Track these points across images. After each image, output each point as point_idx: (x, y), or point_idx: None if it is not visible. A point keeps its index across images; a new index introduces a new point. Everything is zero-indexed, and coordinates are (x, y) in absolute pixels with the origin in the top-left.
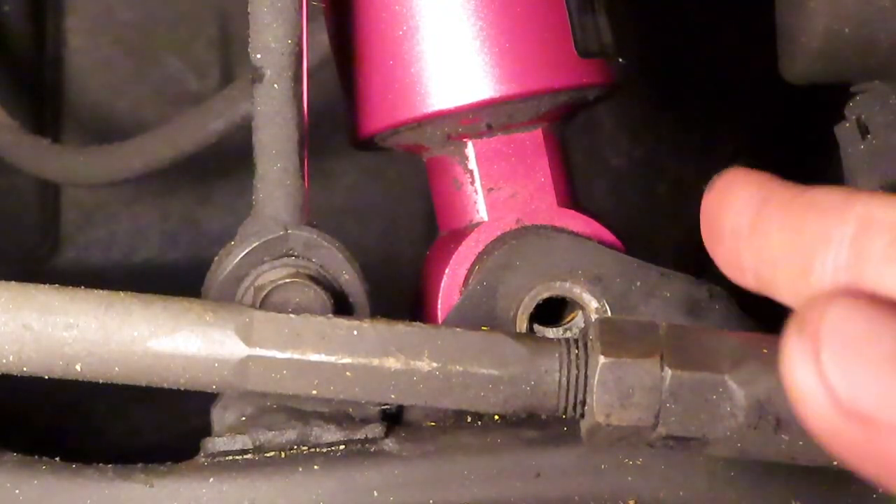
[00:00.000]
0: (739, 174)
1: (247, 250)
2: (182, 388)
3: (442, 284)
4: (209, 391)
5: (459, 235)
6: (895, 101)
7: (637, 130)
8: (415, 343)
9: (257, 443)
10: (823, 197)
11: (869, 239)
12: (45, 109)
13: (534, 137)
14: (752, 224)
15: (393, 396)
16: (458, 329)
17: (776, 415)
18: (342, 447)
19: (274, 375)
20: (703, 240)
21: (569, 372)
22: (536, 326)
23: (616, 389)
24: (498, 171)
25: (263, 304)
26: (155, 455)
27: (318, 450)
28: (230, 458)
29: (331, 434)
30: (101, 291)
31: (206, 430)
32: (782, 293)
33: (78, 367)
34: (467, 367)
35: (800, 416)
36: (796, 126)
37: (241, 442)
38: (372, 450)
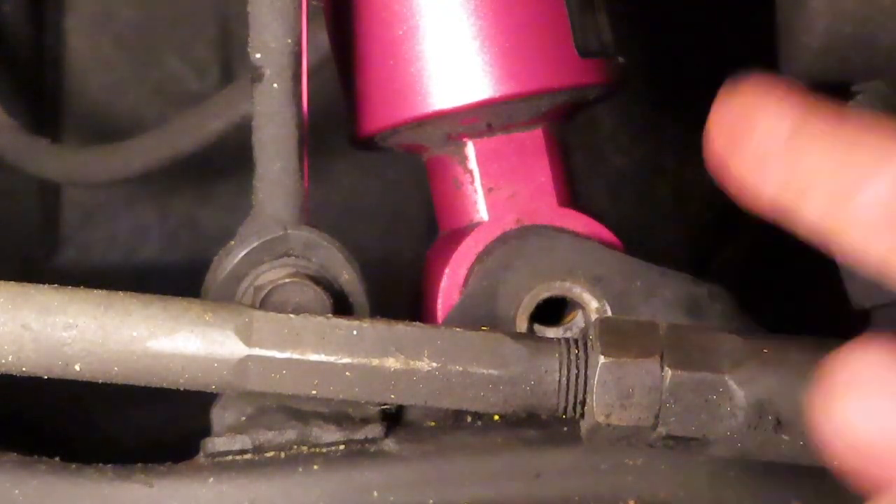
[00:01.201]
0: (771, 83)
1: (247, 250)
2: (181, 388)
3: (442, 284)
4: (209, 391)
5: (459, 235)
6: None
7: (637, 130)
8: (415, 343)
9: (257, 443)
10: (871, 133)
11: None
12: (45, 109)
13: (534, 137)
14: (790, 141)
15: (393, 396)
16: (457, 329)
17: (776, 415)
18: (342, 447)
19: (274, 375)
20: (708, 147)
21: (569, 372)
22: (536, 326)
23: (616, 389)
24: (498, 171)
25: (263, 304)
26: (155, 455)
27: (318, 450)
28: (230, 458)
29: (331, 434)
30: (100, 291)
31: (206, 430)
32: (806, 219)
33: (77, 368)
34: (467, 367)
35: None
36: None
37: (241, 442)
38: (372, 450)
